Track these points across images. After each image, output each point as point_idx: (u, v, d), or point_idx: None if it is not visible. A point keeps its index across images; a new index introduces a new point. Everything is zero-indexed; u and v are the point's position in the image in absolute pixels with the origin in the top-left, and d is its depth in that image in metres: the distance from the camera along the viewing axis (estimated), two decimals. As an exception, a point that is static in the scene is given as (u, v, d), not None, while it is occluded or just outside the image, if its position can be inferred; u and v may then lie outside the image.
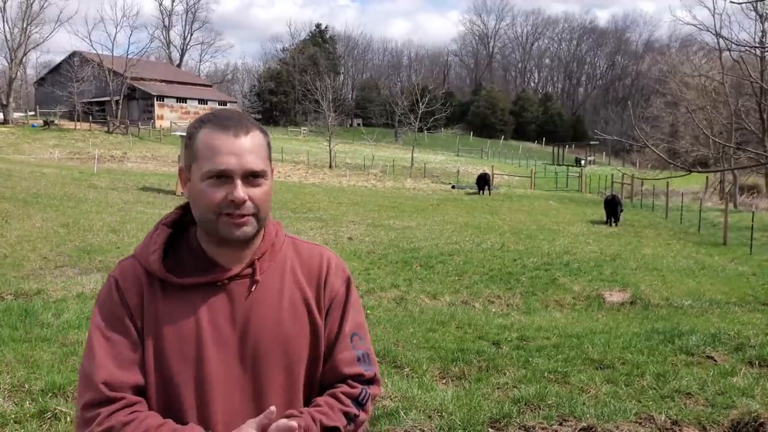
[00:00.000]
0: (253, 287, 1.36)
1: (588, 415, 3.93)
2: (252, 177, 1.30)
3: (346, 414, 1.37)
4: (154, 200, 19.98)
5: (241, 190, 1.28)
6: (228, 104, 74.07)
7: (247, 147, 1.30)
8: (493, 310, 9.21)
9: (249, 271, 1.36)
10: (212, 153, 1.28)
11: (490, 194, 30.45)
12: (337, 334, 1.44)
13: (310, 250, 1.47)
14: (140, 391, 1.31)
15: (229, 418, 1.32)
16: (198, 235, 1.38)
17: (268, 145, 1.38)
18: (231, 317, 1.34)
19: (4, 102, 54.32)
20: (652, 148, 8.67)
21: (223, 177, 1.28)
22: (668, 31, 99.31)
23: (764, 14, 29.54)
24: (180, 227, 1.41)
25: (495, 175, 36.28)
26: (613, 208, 21.00)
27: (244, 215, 1.29)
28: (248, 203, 1.29)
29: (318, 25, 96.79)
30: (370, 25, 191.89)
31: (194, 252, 1.36)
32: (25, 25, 55.66)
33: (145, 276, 1.34)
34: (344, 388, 1.41)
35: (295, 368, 1.38)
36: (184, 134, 1.40)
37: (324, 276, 1.43)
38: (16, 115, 57.25)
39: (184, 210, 1.41)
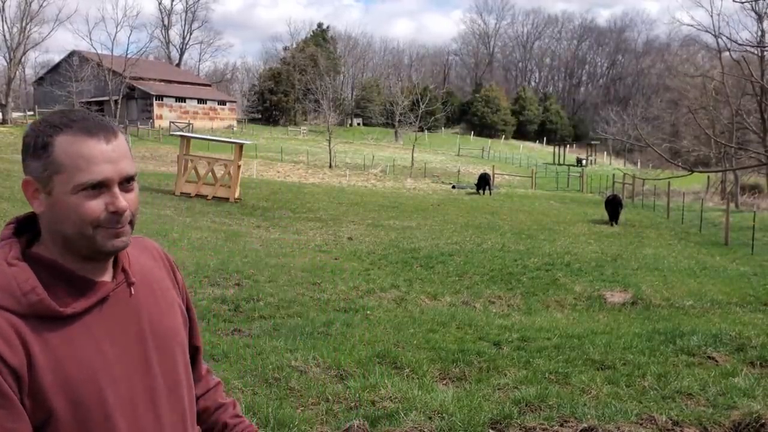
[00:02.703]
0: (132, 290, 1.31)
1: (589, 416, 3.92)
2: (126, 182, 1.24)
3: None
4: (153, 200, 19.92)
5: (122, 200, 1.22)
6: (227, 103, 74.15)
7: (119, 152, 1.22)
8: (494, 310, 9.18)
9: (122, 276, 1.31)
10: (85, 163, 1.19)
11: (490, 194, 30.43)
12: (193, 324, 1.52)
13: (142, 243, 1.45)
14: None
15: (164, 420, 1.30)
16: (52, 254, 1.25)
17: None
18: (124, 328, 1.28)
19: (3, 102, 54.33)
20: (654, 148, 8.66)
21: (100, 187, 1.20)
22: (669, 30, 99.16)
23: (764, 13, 29.53)
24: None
25: (495, 175, 36.30)
26: (614, 208, 21.00)
27: (124, 225, 1.24)
28: (127, 212, 1.23)
29: (320, 25, 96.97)
30: (373, 24, 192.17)
31: (60, 274, 1.24)
32: (24, 24, 55.65)
33: (24, 323, 1.17)
34: (220, 387, 1.59)
35: (185, 354, 1.41)
36: (39, 139, 1.20)
37: (169, 264, 1.46)
38: (14, 114, 57.20)
39: (16, 235, 1.27)
